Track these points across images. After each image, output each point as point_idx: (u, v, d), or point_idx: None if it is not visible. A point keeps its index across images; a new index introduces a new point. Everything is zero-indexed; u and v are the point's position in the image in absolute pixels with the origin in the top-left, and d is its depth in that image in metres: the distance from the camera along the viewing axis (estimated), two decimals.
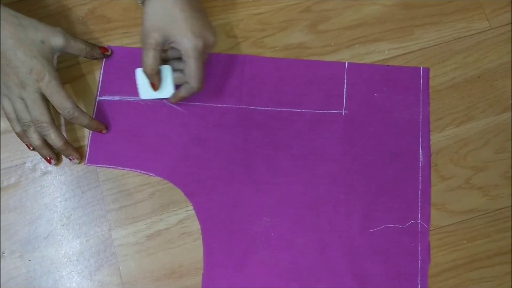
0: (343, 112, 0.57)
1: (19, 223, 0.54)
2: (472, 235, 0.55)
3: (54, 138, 0.52)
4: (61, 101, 0.51)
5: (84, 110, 0.53)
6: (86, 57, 0.56)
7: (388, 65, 0.58)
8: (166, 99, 0.56)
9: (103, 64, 0.58)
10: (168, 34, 0.50)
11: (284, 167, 0.56)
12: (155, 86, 0.53)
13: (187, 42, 0.50)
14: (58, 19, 0.58)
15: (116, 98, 0.57)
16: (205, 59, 0.52)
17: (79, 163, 0.55)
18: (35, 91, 0.50)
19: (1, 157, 0.56)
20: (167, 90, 0.54)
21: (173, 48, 0.52)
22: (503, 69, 0.58)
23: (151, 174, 0.55)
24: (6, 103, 0.52)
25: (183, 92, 0.53)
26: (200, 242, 0.54)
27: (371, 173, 0.55)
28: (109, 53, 0.57)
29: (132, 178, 0.55)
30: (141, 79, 0.54)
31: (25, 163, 0.56)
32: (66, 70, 0.57)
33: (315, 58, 0.58)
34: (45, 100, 0.51)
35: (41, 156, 0.54)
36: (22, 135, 0.54)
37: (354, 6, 0.59)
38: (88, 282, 0.54)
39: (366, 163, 0.55)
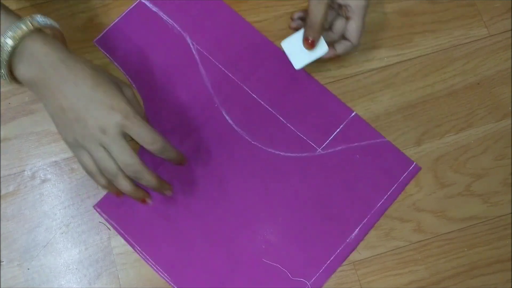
0: (318, 150, 0.56)
1: (17, 231, 0.54)
2: (473, 242, 0.55)
3: (149, 179, 0.46)
4: (152, 135, 0.45)
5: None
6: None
7: (388, 142, 0.56)
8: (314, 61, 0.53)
9: None
10: None
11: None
12: (313, 43, 0.51)
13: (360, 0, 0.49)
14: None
15: None
16: None
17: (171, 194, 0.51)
18: (117, 133, 0.44)
19: (0, 165, 0.56)
20: (321, 48, 0.52)
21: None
22: (502, 76, 0.58)
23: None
24: (84, 157, 0.46)
25: (341, 49, 0.53)
26: None
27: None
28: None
29: None
30: (289, 48, 0.52)
31: (24, 171, 0.56)
32: None
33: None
34: (127, 140, 0.45)
35: (136, 199, 0.48)
36: (109, 186, 0.47)
37: None
38: None
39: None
